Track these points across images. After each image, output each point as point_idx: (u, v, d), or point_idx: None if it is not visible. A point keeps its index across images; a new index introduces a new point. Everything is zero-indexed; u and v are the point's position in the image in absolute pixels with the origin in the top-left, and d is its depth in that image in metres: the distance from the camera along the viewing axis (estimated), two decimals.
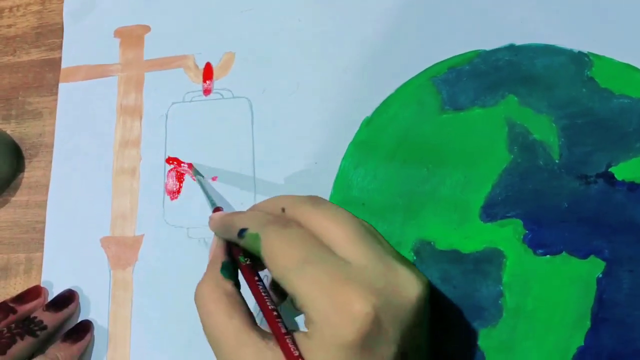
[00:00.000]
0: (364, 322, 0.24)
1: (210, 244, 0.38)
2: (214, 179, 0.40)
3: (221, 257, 0.31)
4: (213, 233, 0.33)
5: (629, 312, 0.33)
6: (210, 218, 0.33)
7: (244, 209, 0.39)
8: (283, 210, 0.29)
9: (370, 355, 0.24)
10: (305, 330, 0.26)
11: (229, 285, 0.29)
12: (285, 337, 0.26)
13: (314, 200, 0.29)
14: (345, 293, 0.24)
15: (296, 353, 0.25)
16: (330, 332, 0.24)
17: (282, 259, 0.26)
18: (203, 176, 0.40)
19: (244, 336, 0.26)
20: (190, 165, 0.40)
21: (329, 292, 0.24)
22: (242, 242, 0.29)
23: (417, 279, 0.27)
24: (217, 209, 0.35)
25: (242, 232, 0.29)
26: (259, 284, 0.29)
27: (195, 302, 0.29)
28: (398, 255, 0.28)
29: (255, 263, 0.31)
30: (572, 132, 0.37)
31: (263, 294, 0.28)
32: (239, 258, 0.31)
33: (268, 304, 0.28)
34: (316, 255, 0.26)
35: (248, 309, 0.28)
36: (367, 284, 0.25)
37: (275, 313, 0.27)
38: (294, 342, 0.25)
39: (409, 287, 0.26)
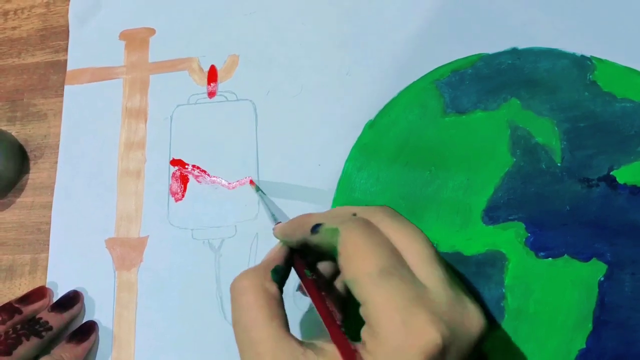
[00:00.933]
0: (432, 352, 0.23)
1: (214, 245, 0.39)
2: (223, 184, 0.41)
3: (277, 261, 0.30)
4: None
5: (631, 315, 0.33)
6: (276, 226, 0.32)
7: (249, 213, 0.40)
8: (354, 215, 0.28)
9: None
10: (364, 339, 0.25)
11: (275, 288, 0.28)
12: (354, 354, 0.25)
13: (388, 210, 0.28)
14: (419, 318, 0.24)
15: None
16: (395, 353, 0.23)
17: (361, 260, 0.25)
18: (264, 193, 0.40)
19: (282, 342, 0.25)
20: (251, 182, 0.40)
21: (403, 313, 0.24)
22: (315, 238, 0.28)
23: (482, 314, 0.26)
24: (279, 224, 0.34)
25: (316, 227, 0.28)
26: (325, 300, 0.28)
27: (233, 293, 0.28)
28: (464, 286, 0.28)
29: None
30: (574, 136, 0.37)
31: (329, 309, 0.27)
32: (304, 271, 0.30)
33: (336, 321, 0.27)
34: (397, 269, 0.25)
35: (286, 316, 0.27)
36: (440, 312, 0.24)
37: (342, 330, 0.26)
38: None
39: (475, 322, 0.25)
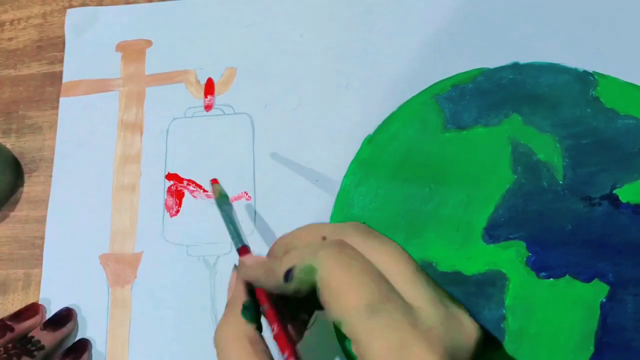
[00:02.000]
0: None
1: (210, 261, 0.39)
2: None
3: (241, 298, 0.28)
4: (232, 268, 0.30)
5: (634, 337, 0.33)
6: (240, 264, 0.30)
7: (245, 228, 0.39)
8: (324, 239, 0.27)
9: None
10: None
11: (251, 330, 0.27)
12: None
13: (362, 227, 0.27)
14: (417, 349, 0.23)
15: None
16: None
17: (345, 297, 0.24)
18: (231, 206, 0.33)
19: None
20: (214, 181, 0.34)
21: (399, 352, 0.23)
22: (291, 287, 0.26)
23: (475, 325, 0.25)
24: (244, 249, 0.30)
25: (288, 274, 0.26)
26: (275, 326, 0.27)
27: (216, 347, 0.27)
28: (450, 296, 0.27)
29: (282, 308, 0.29)
30: (576, 153, 0.36)
31: (281, 335, 0.27)
32: (263, 306, 0.28)
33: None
34: (385, 298, 0.24)
35: (271, 355, 0.26)
36: (435, 340, 0.23)
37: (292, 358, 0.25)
38: None
39: (472, 333, 0.25)
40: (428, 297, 0.24)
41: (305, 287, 0.26)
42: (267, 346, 0.27)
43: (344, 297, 0.24)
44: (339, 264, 0.25)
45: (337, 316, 0.24)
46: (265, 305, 0.28)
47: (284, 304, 0.29)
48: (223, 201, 0.33)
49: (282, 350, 0.26)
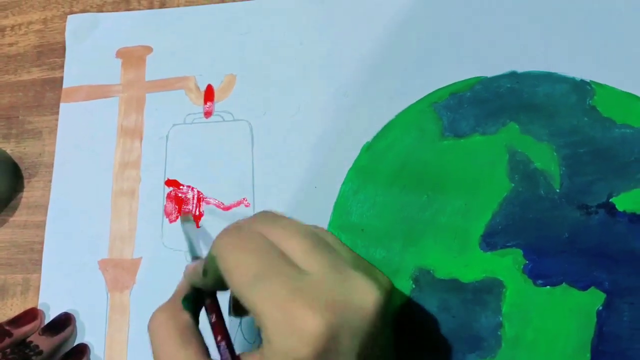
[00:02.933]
0: (318, 341, 0.23)
1: None
2: (218, 205, 0.40)
3: (184, 291, 0.30)
4: None
5: (629, 346, 0.33)
6: (186, 269, 0.32)
7: None
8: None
9: None
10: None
11: (186, 316, 0.28)
12: None
13: (268, 214, 0.29)
14: (299, 312, 0.23)
15: None
16: (284, 352, 0.23)
17: (235, 273, 0.25)
18: (193, 223, 0.40)
19: None
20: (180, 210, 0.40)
21: (282, 311, 0.24)
22: (210, 281, 0.28)
23: (373, 286, 0.26)
24: (195, 258, 0.35)
25: (205, 270, 0.28)
26: (212, 316, 0.29)
27: (149, 332, 0.28)
28: (357, 263, 0.28)
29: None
30: (573, 162, 0.36)
31: (217, 323, 0.28)
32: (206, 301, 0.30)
33: (219, 335, 0.28)
34: (271, 267, 0.25)
35: (203, 341, 0.28)
36: (322, 298, 0.24)
37: (223, 342, 0.27)
38: None
39: (366, 296, 0.25)
40: (320, 263, 0.25)
41: (220, 277, 0.27)
42: (199, 332, 0.28)
43: (236, 273, 0.25)
44: (231, 245, 0.26)
45: (235, 293, 0.25)
46: (208, 300, 0.30)
47: None
48: (186, 219, 0.40)
49: (215, 335, 0.28)
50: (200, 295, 0.30)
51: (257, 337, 0.37)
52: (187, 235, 0.38)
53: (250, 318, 0.37)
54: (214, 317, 0.29)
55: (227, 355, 0.27)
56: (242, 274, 0.25)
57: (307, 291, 0.24)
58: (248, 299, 0.25)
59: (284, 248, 0.26)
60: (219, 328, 0.28)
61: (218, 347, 0.28)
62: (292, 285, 0.24)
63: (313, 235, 0.27)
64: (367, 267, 0.28)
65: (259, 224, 0.28)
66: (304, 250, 0.26)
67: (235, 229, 0.27)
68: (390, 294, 0.28)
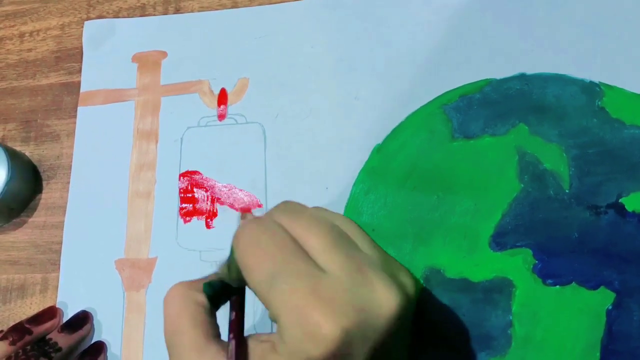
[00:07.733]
0: (331, 345, 0.23)
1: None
2: (230, 206, 0.41)
3: (211, 278, 0.30)
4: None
5: (639, 345, 0.33)
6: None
7: None
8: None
9: None
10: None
11: (202, 297, 0.28)
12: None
13: (289, 206, 0.29)
14: (314, 315, 0.23)
15: None
16: (297, 351, 0.23)
17: (254, 271, 0.25)
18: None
19: (204, 348, 0.26)
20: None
21: (298, 313, 0.23)
22: (234, 274, 0.28)
23: (393, 292, 0.25)
24: None
25: (228, 266, 0.29)
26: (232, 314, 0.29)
27: (164, 303, 0.28)
28: (382, 260, 0.27)
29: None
30: (582, 162, 0.37)
31: (234, 322, 0.28)
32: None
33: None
34: (288, 265, 0.25)
35: (215, 325, 0.28)
36: (339, 301, 0.24)
37: (233, 341, 0.27)
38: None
39: (384, 302, 0.25)
40: (342, 264, 0.25)
41: (237, 272, 0.27)
42: (213, 319, 0.28)
43: (254, 270, 0.25)
44: (249, 240, 0.26)
45: (253, 289, 0.26)
46: (234, 297, 0.30)
47: None
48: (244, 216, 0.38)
49: (229, 332, 0.28)
50: (227, 289, 0.30)
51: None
52: None
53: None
54: (233, 314, 0.29)
55: (234, 356, 0.26)
56: (260, 271, 0.25)
57: (324, 293, 0.24)
58: (264, 296, 0.25)
59: (303, 243, 0.26)
60: (234, 327, 0.28)
61: (228, 344, 0.28)
62: (309, 286, 0.24)
63: (335, 232, 0.27)
64: (391, 265, 0.27)
65: (281, 214, 0.28)
66: (324, 247, 0.26)
67: (255, 222, 0.27)
68: (413, 297, 0.28)
